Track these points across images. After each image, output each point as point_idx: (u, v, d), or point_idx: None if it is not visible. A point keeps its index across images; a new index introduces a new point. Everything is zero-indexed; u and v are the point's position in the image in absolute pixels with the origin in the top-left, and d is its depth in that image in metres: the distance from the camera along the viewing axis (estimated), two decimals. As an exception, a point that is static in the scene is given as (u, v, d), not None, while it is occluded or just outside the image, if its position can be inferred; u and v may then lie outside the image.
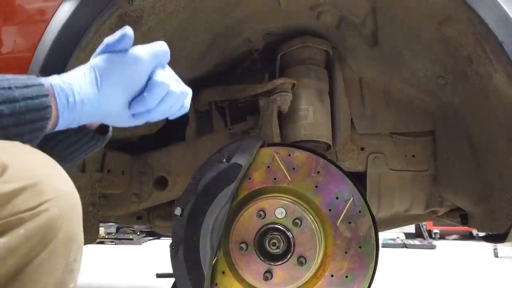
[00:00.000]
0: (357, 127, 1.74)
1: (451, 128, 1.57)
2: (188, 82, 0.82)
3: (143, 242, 6.41)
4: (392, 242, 6.38)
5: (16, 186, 0.50)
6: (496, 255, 5.46)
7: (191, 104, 1.16)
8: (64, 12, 1.17)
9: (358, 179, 1.75)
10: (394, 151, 1.75)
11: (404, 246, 6.38)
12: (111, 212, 1.79)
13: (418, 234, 7.24)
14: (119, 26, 1.18)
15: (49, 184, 0.53)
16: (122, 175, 1.68)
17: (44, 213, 0.51)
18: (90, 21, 1.11)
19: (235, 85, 1.69)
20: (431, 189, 1.75)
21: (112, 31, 1.16)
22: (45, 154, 0.58)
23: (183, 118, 1.82)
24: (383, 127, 1.74)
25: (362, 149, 1.76)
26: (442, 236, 7.46)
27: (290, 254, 1.23)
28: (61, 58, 1.13)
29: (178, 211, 1.24)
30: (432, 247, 6.39)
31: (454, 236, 7.51)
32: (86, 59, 1.20)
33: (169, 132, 1.79)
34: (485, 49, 1.12)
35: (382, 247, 5.76)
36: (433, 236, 7.34)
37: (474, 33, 1.13)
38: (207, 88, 1.70)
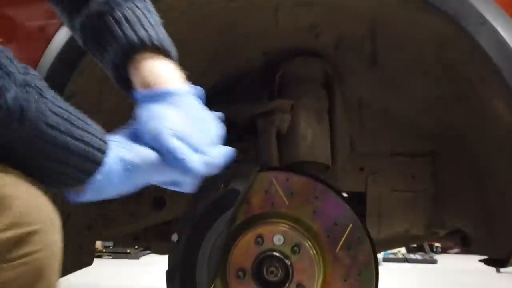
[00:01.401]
0: (356, 147, 1.72)
1: (452, 148, 1.55)
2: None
3: (141, 256, 6.35)
4: (393, 256, 6.31)
5: (16, 232, 0.49)
6: (498, 270, 5.40)
7: None
8: (63, 34, 1.17)
9: (358, 200, 1.73)
10: (394, 171, 1.74)
11: (405, 260, 6.32)
12: (107, 232, 1.77)
13: (419, 248, 7.17)
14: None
15: (43, 233, 0.53)
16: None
17: (29, 264, 0.51)
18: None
19: (232, 104, 1.67)
20: (431, 210, 1.73)
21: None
22: (46, 197, 0.57)
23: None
24: (383, 147, 1.73)
25: (362, 169, 1.74)
26: (444, 250, 7.39)
27: (288, 282, 1.20)
28: (59, 81, 1.13)
29: (175, 237, 1.22)
30: (434, 261, 6.32)
31: (456, 250, 7.44)
32: (85, 83, 1.20)
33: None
34: (483, 74, 1.11)
35: (383, 261, 5.69)
36: (434, 250, 7.26)
37: (473, 58, 1.12)
38: None
